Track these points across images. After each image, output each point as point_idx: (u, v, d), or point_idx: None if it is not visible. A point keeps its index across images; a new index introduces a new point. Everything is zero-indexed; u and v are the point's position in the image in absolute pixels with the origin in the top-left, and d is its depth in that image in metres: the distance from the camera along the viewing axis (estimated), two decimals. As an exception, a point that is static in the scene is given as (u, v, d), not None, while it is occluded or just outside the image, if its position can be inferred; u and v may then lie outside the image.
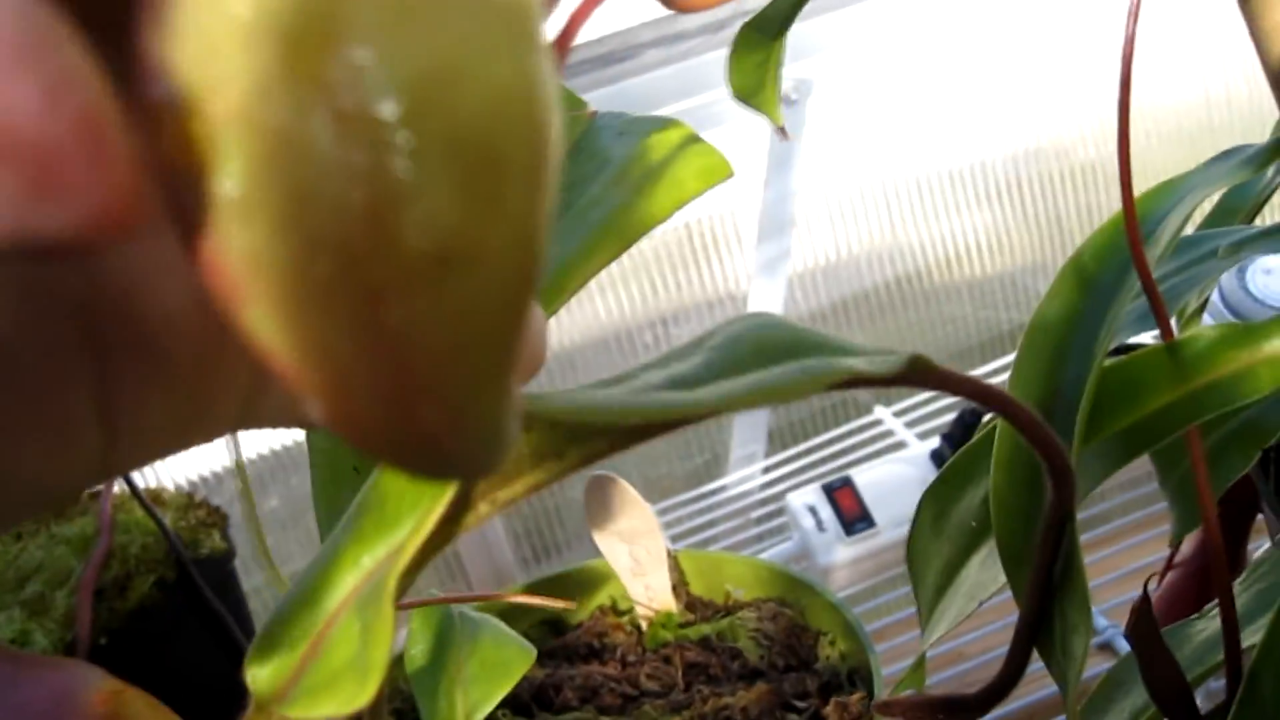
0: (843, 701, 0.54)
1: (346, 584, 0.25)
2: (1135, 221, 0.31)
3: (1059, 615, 0.32)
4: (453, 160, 0.12)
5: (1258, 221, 0.55)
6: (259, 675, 0.25)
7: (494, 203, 0.13)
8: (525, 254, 0.13)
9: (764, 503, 1.09)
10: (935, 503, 0.39)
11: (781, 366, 0.25)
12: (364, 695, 0.24)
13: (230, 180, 0.12)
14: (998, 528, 0.32)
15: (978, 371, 1.13)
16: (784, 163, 1.15)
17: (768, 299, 1.17)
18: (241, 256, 0.13)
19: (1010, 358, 0.48)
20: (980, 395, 0.26)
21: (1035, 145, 1.23)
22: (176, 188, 0.13)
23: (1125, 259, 0.34)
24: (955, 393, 0.27)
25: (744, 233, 1.19)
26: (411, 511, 0.25)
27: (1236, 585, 0.48)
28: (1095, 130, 1.23)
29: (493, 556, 1.17)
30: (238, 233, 0.13)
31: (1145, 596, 0.36)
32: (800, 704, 0.57)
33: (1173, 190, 0.36)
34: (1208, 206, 0.55)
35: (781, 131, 0.44)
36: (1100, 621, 0.81)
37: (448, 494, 0.24)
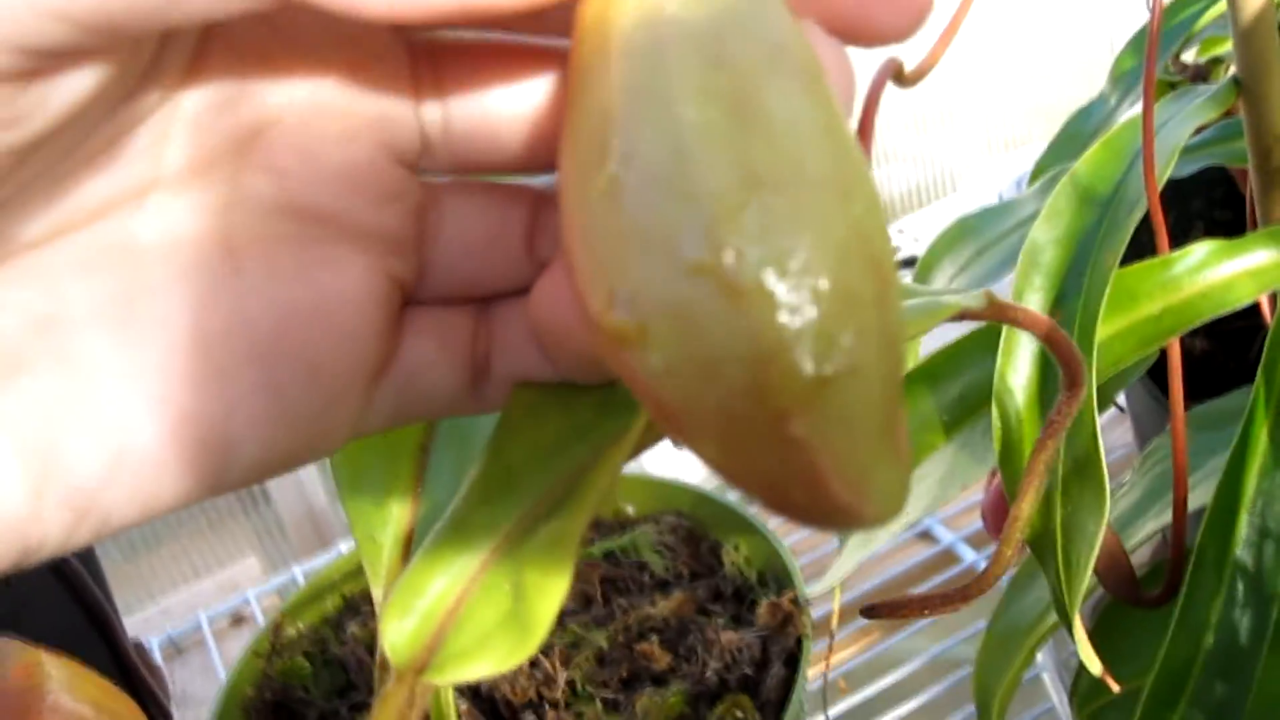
0: (775, 602, 0.57)
1: (482, 547, 0.25)
2: (1151, 138, 0.34)
3: (1067, 500, 0.35)
4: (822, 305, 0.16)
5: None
6: (396, 645, 0.25)
7: (861, 327, 0.17)
8: (891, 357, 0.18)
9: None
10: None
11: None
12: (525, 650, 0.24)
13: (658, 353, 0.17)
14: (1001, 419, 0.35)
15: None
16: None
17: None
18: (675, 402, 0.17)
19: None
20: (1023, 322, 0.28)
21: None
22: (619, 355, 0.18)
23: (1121, 178, 0.37)
24: (1014, 323, 0.29)
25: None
26: (541, 479, 0.25)
27: (1133, 475, 0.53)
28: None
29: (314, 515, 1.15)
30: (671, 387, 0.17)
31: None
32: (715, 608, 0.60)
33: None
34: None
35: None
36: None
37: (583, 457, 0.25)
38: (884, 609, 0.41)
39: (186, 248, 0.22)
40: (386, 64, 0.22)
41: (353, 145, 0.22)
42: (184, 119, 0.21)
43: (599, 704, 0.56)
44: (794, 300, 0.16)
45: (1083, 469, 0.33)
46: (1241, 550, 0.41)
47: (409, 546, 0.35)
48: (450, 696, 0.40)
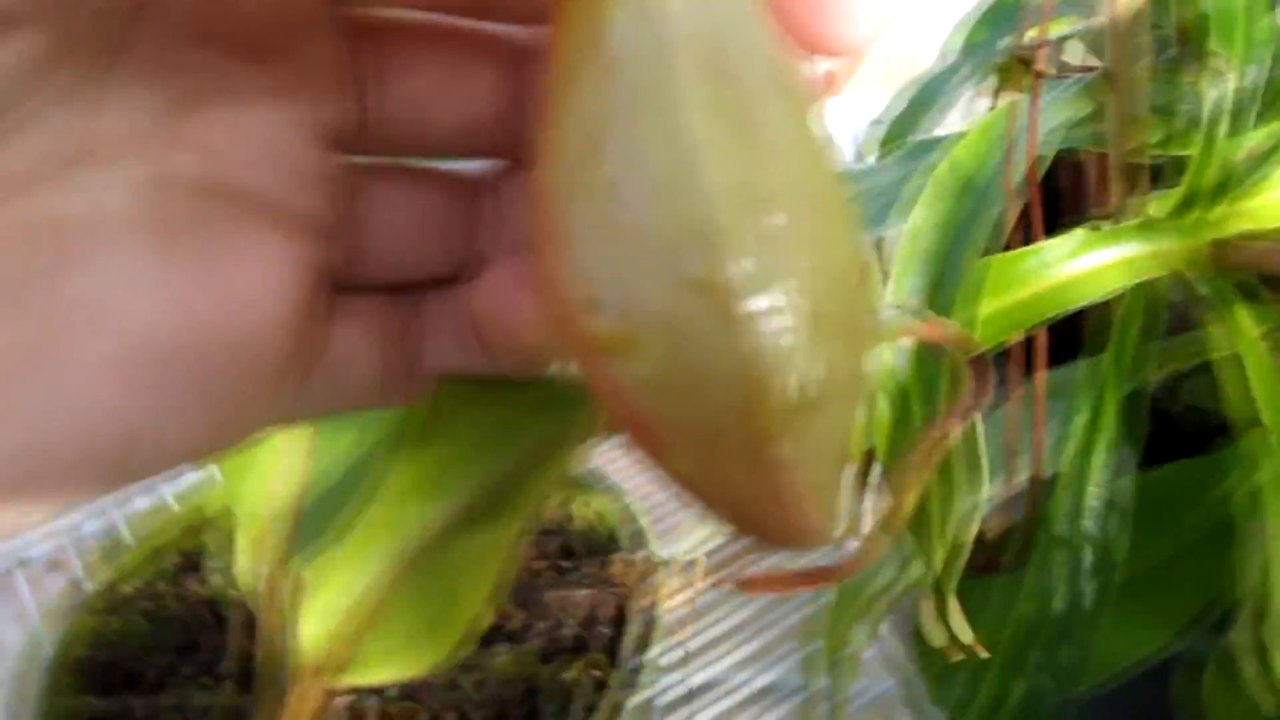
0: (629, 559, 0.58)
1: (408, 545, 0.25)
2: (1035, 135, 0.35)
3: (944, 480, 0.37)
4: (815, 330, 0.17)
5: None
6: (314, 641, 0.25)
7: (845, 353, 0.17)
8: (860, 381, 0.18)
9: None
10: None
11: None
12: (446, 655, 0.24)
13: (644, 364, 0.17)
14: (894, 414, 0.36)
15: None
16: None
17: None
18: (655, 415, 0.17)
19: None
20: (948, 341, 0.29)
21: None
22: (599, 362, 0.17)
23: (997, 165, 0.38)
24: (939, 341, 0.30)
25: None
26: (473, 477, 0.25)
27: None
28: None
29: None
30: (654, 399, 0.17)
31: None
32: (566, 564, 0.60)
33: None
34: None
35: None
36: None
37: (517, 456, 0.25)
38: (756, 582, 0.42)
39: (112, 226, 0.21)
40: (323, 43, 0.22)
41: (284, 126, 0.22)
42: (115, 93, 0.20)
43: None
44: (789, 323, 0.17)
45: (961, 450, 0.35)
46: (1088, 520, 0.44)
47: (294, 522, 0.35)
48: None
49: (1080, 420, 0.44)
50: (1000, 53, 0.57)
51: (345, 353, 0.24)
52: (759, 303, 0.16)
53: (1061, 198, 0.64)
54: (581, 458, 0.24)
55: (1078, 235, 0.38)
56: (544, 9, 0.20)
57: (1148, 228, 0.39)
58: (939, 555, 0.38)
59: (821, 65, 0.24)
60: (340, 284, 0.24)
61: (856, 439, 0.19)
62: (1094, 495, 0.44)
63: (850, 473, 0.19)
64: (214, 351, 0.21)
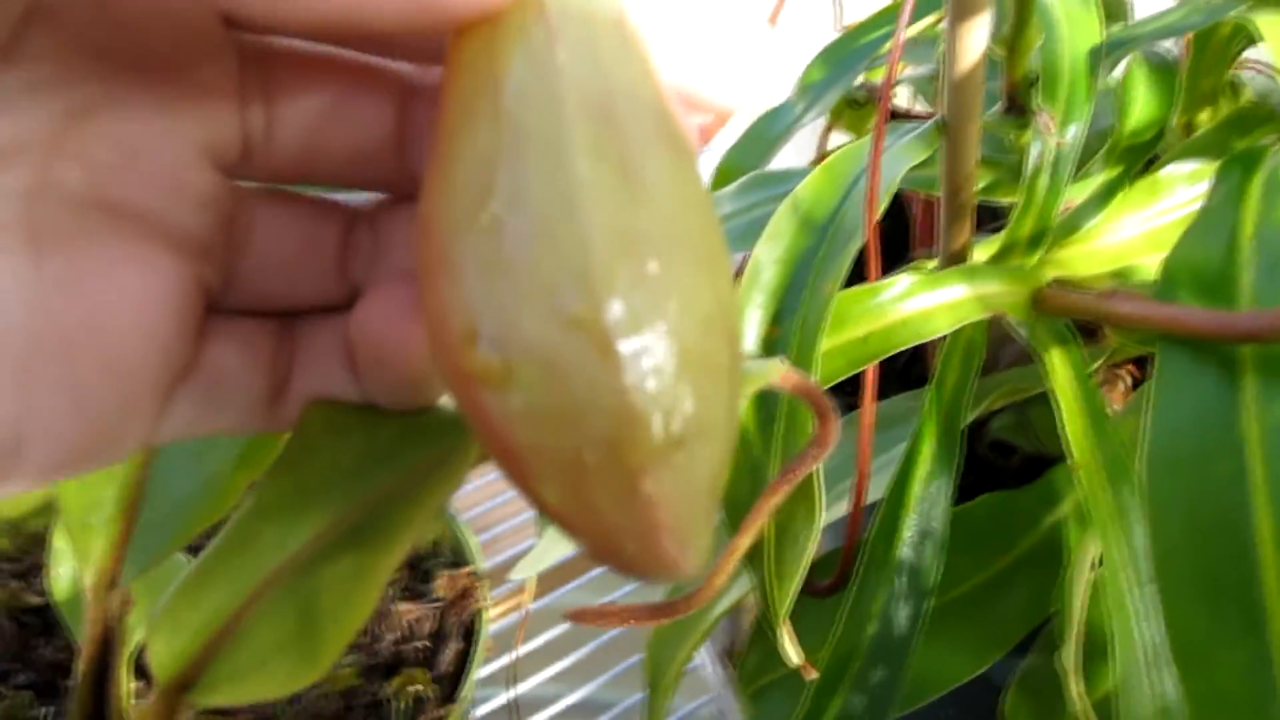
0: (453, 575, 0.58)
1: (267, 565, 0.25)
2: (878, 177, 0.37)
3: (780, 511, 0.38)
4: (686, 370, 0.18)
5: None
6: (163, 658, 0.25)
7: (714, 394, 0.18)
8: (733, 422, 0.19)
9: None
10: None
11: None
12: (309, 676, 0.25)
13: (519, 395, 0.18)
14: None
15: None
16: None
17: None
18: (528, 446, 0.18)
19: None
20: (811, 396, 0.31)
21: None
22: (475, 392, 0.18)
23: (839, 204, 0.40)
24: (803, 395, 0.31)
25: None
26: (339, 501, 0.25)
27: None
28: None
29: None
30: (527, 430, 0.18)
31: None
32: (394, 575, 0.60)
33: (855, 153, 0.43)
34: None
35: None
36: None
37: (387, 483, 0.25)
38: (588, 615, 0.43)
39: (13, 233, 0.21)
40: (215, 64, 0.22)
41: (170, 144, 0.22)
42: (1, 100, 0.20)
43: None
44: (662, 363, 0.17)
45: (799, 485, 0.37)
46: (905, 548, 0.46)
47: (127, 534, 0.34)
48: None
49: (898, 450, 0.46)
50: (835, 93, 0.59)
51: (215, 371, 0.24)
52: (632, 342, 0.17)
53: (908, 235, 0.67)
54: (455, 487, 0.25)
55: (910, 277, 0.40)
56: (437, 49, 0.20)
57: (973, 272, 0.42)
58: (775, 586, 0.40)
59: (695, 119, 0.26)
60: (216, 304, 0.24)
61: (723, 477, 0.20)
62: (910, 523, 0.46)
63: (715, 509, 0.20)
64: (81, 359, 0.22)
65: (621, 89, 0.19)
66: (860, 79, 0.65)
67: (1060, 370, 0.43)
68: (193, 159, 0.23)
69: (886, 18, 0.62)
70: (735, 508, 0.40)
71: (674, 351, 0.17)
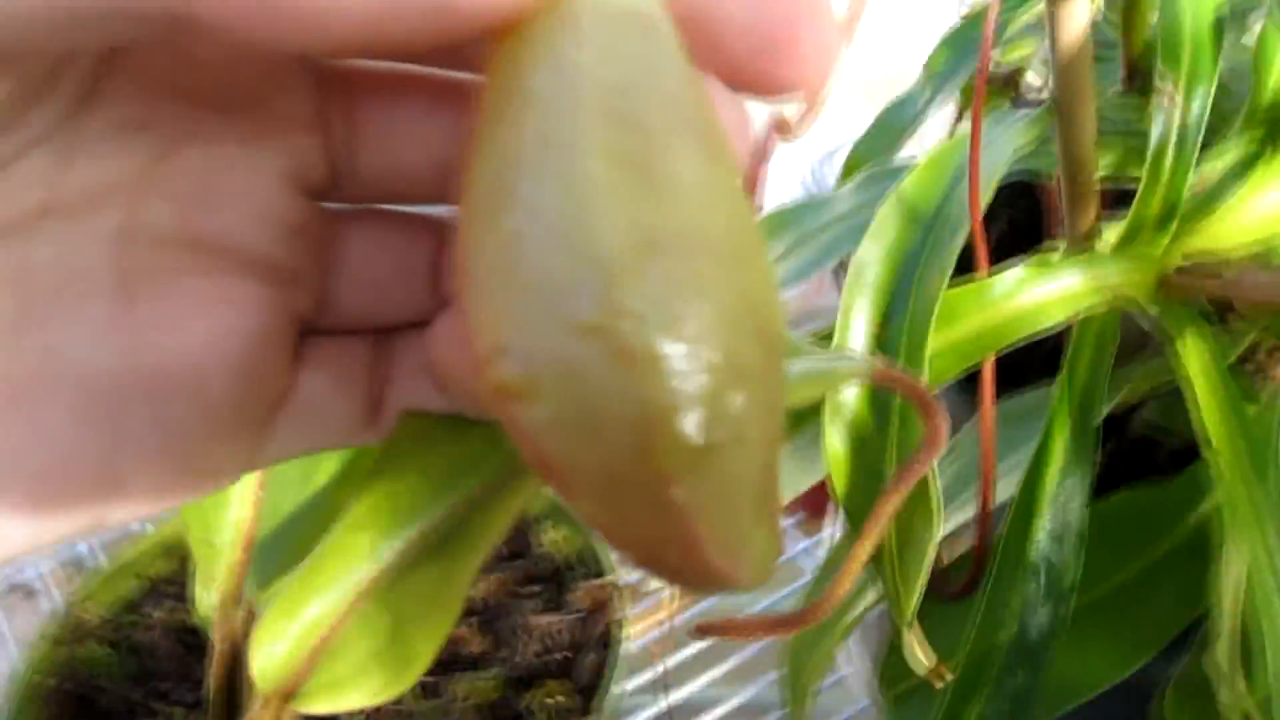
0: (590, 586, 0.60)
1: (362, 575, 0.27)
2: (978, 166, 0.37)
3: (901, 513, 0.39)
4: (710, 374, 0.17)
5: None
6: (266, 669, 0.27)
7: (746, 397, 0.18)
8: (773, 426, 0.19)
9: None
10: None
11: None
12: (401, 685, 0.26)
13: (545, 408, 0.17)
14: (852, 451, 0.38)
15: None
16: None
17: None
18: (558, 458, 0.18)
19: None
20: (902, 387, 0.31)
21: None
22: (506, 406, 0.18)
23: (944, 197, 0.40)
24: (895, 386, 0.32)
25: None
26: (430, 510, 0.26)
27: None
28: None
29: None
30: (555, 442, 0.17)
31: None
32: (530, 590, 0.62)
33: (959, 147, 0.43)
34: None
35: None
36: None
37: (473, 490, 0.26)
38: (715, 629, 0.44)
39: (80, 275, 0.22)
40: (293, 93, 0.23)
41: (257, 176, 0.23)
42: (85, 143, 0.21)
43: (416, 687, 0.57)
44: (684, 368, 0.17)
45: (917, 486, 0.37)
46: (1041, 546, 0.45)
47: (248, 552, 0.36)
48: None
49: (1030, 448, 0.46)
50: (960, 79, 0.59)
51: (313, 396, 0.25)
52: (648, 347, 0.17)
53: (1030, 223, 0.66)
54: (536, 492, 0.26)
55: (1020, 270, 0.40)
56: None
57: (1091, 259, 0.41)
58: (900, 589, 0.40)
59: (777, 107, 0.26)
60: (311, 327, 0.25)
61: (775, 481, 0.20)
62: (1044, 521, 0.46)
63: (778, 515, 0.20)
64: (172, 399, 0.22)
65: (646, 84, 0.19)
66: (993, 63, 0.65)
67: (1193, 357, 0.42)
68: (278, 188, 0.23)
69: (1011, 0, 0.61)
70: (856, 513, 0.41)
71: (701, 355, 0.17)
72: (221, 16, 0.18)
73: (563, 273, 0.17)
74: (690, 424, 0.17)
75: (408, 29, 0.18)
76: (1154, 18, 0.47)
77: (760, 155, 0.30)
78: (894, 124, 0.64)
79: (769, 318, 0.19)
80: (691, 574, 0.19)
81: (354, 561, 0.26)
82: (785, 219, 0.59)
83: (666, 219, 0.18)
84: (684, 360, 0.17)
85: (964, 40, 0.61)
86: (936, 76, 0.62)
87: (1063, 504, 0.45)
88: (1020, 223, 0.68)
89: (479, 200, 0.19)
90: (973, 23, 0.62)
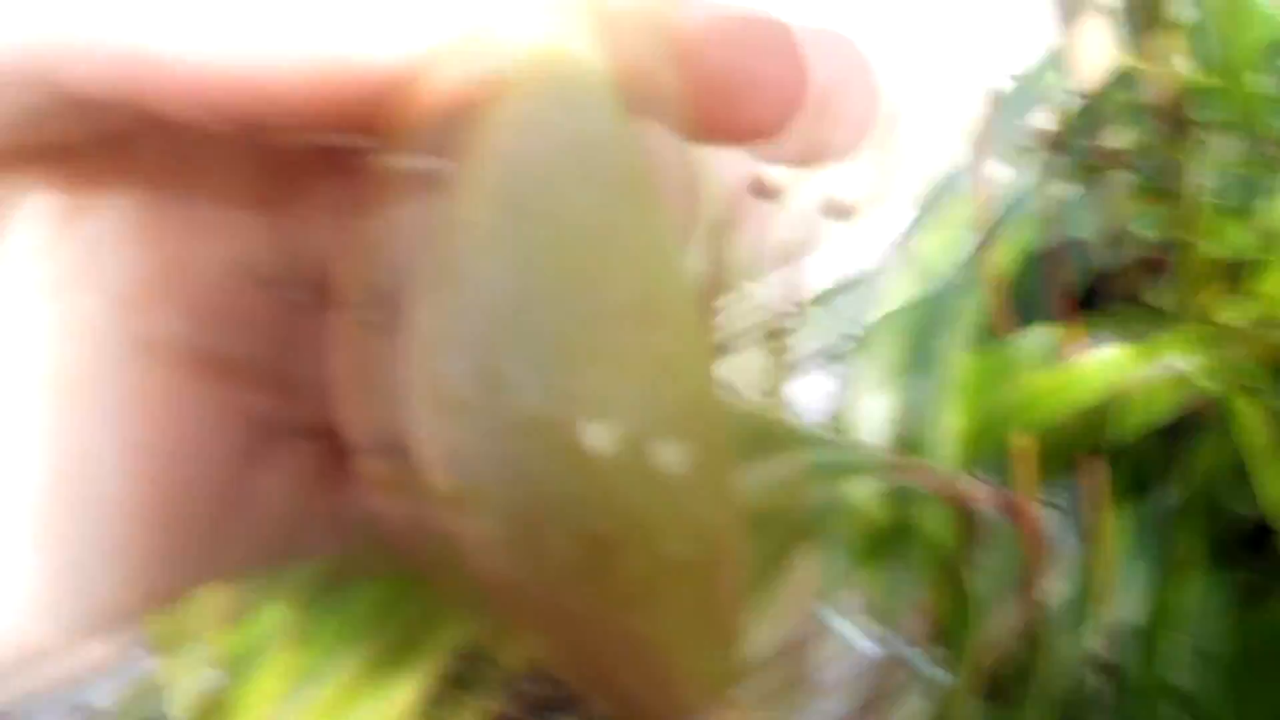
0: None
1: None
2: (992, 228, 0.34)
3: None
4: (642, 481, 0.16)
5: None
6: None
7: (703, 505, 0.17)
8: (734, 533, 0.17)
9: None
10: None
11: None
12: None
13: (487, 519, 0.16)
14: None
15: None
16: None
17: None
18: (506, 576, 0.16)
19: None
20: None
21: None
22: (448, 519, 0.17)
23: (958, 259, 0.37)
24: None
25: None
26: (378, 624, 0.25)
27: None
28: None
29: None
30: (502, 558, 0.16)
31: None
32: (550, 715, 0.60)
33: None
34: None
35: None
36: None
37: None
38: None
39: (37, 377, 0.20)
40: (241, 173, 0.22)
41: (206, 267, 0.22)
42: (21, 237, 0.20)
43: None
44: (611, 470, 0.16)
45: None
46: (1173, 670, 0.39)
47: None
48: None
49: (1148, 564, 0.40)
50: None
51: (269, 502, 0.23)
52: (594, 439, 0.16)
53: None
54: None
55: (1045, 338, 0.36)
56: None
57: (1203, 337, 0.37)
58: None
59: (828, 189, 0.23)
60: (273, 425, 0.23)
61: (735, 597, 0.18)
62: (1178, 642, 0.40)
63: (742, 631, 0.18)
64: (112, 519, 0.21)
65: (592, 160, 0.18)
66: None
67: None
68: (231, 281, 0.22)
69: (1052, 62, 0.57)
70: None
71: (645, 454, 0.16)
72: (84, 81, 0.17)
73: (504, 367, 0.17)
74: (645, 535, 0.16)
75: (290, 90, 0.18)
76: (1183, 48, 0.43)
77: (736, 214, 0.27)
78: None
79: (710, 408, 0.18)
80: (659, 707, 0.17)
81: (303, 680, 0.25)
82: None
83: (612, 312, 0.17)
84: (613, 464, 0.16)
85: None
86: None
87: (1199, 621, 0.39)
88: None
89: (429, 294, 0.18)
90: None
